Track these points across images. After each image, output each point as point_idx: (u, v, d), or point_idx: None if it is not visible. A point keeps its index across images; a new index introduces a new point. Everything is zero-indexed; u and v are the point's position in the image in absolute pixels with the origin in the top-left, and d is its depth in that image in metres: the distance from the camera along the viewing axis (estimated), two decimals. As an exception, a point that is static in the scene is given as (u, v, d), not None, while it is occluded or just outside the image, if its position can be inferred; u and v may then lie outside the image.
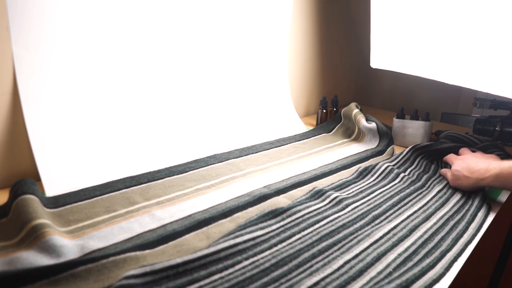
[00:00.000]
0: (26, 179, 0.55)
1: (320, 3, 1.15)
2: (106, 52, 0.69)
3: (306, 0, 1.09)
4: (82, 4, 0.64)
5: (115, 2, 0.68)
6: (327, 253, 0.48)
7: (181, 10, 0.78)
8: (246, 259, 0.46)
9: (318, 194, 0.62)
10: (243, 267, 0.44)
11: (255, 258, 0.46)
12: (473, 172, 0.67)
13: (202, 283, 0.41)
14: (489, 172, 0.64)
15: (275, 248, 0.48)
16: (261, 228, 0.51)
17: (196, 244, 0.49)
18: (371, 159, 0.83)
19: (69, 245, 0.46)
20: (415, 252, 0.50)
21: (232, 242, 0.47)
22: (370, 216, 0.58)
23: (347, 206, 0.60)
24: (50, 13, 0.61)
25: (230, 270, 0.43)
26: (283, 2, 1.00)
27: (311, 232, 0.52)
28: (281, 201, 0.60)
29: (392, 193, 0.66)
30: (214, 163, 0.74)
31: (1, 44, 0.56)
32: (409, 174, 0.74)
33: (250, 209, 0.58)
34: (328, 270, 0.45)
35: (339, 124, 1.01)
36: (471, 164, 0.68)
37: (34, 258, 0.42)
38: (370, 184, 0.69)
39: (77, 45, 0.65)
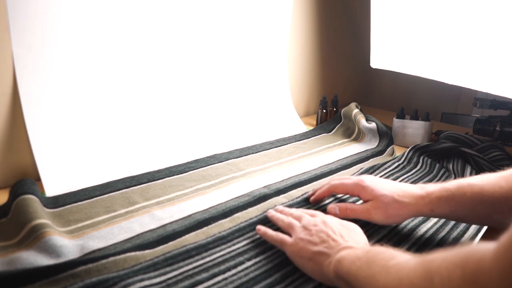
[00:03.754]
0: (26, 179, 0.55)
1: (320, 3, 1.15)
2: (106, 52, 0.69)
3: (306, 0, 1.09)
4: (82, 5, 0.64)
5: (113, 3, 0.68)
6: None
7: (181, 10, 0.78)
8: (248, 259, 0.46)
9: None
10: (246, 268, 0.44)
11: (258, 259, 0.46)
12: (404, 195, 0.49)
13: (206, 284, 0.41)
14: (432, 195, 0.48)
15: (276, 248, 0.48)
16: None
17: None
18: (371, 159, 0.83)
19: (69, 245, 0.45)
20: (416, 252, 0.50)
21: (234, 247, 0.48)
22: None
23: (347, 206, 0.60)
24: (50, 13, 0.61)
25: (233, 271, 0.43)
26: (283, 2, 1.00)
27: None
28: (281, 201, 0.60)
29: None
30: (214, 163, 0.74)
31: (1, 44, 0.56)
32: (412, 174, 0.74)
33: (250, 209, 0.58)
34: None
35: (339, 124, 1.01)
36: (398, 185, 0.52)
37: (34, 258, 0.42)
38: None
39: (78, 45, 0.65)
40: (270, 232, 0.48)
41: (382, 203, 0.50)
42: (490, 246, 0.26)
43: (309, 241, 0.43)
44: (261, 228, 0.49)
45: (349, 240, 0.42)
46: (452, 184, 0.48)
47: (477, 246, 0.27)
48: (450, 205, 0.47)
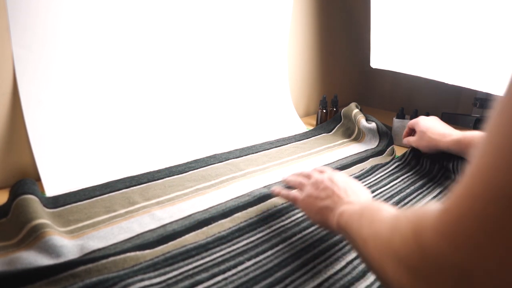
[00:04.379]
0: (26, 179, 0.55)
1: (320, 3, 1.15)
2: (106, 52, 0.69)
3: (306, 0, 1.09)
4: (83, 5, 0.64)
5: (114, 3, 0.68)
6: (328, 254, 0.48)
7: (181, 11, 0.78)
8: (248, 259, 0.46)
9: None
10: (246, 268, 0.44)
11: (258, 259, 0.46)
12: (434, 133, 0.71)
13: (206, 284, 0.41)
14: (451, 137, 0.67)
15: (276, 248, 0.48)
16: (261, 231, 0.51)
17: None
18: (371, 159, 0.83)
19: (69, 245, 0.45)
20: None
21: (233, 247, 0.48)
22: (370, 216, 0.58)
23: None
24: (51, 13, 0.61)
25: (233, 271, 0.43)
26: (283, 2, 1.00)
27: (312, 232, 0.52)
28: (281, 201, 0.60)
29: (392, 193, 0.66)
30: (214, 163, 0.74)
31: (1, 44, 0.56)
32: (412, 174, 0.74)
33: (250, 209, 0.57)
34: (331, 271, 0.45)
35: (339, 124, 1.01)
36: (436, 125, 0.73)
37: (34, 258, 0.42)
38: (370, 184, 0.69)
39: (78, 45, 0.65)
40: (283, 191, 0.55)
41: (419, 136, 0.74)
42: (437, 207, 0.26)
43: (317, 197, 0.48)
44: (276, 188, 0.57)
45: (351, 195, 0.46)
46: (470, 132, 0.65)
47: (431, 206, 0.27)
48: (460, 146, 0.65)
